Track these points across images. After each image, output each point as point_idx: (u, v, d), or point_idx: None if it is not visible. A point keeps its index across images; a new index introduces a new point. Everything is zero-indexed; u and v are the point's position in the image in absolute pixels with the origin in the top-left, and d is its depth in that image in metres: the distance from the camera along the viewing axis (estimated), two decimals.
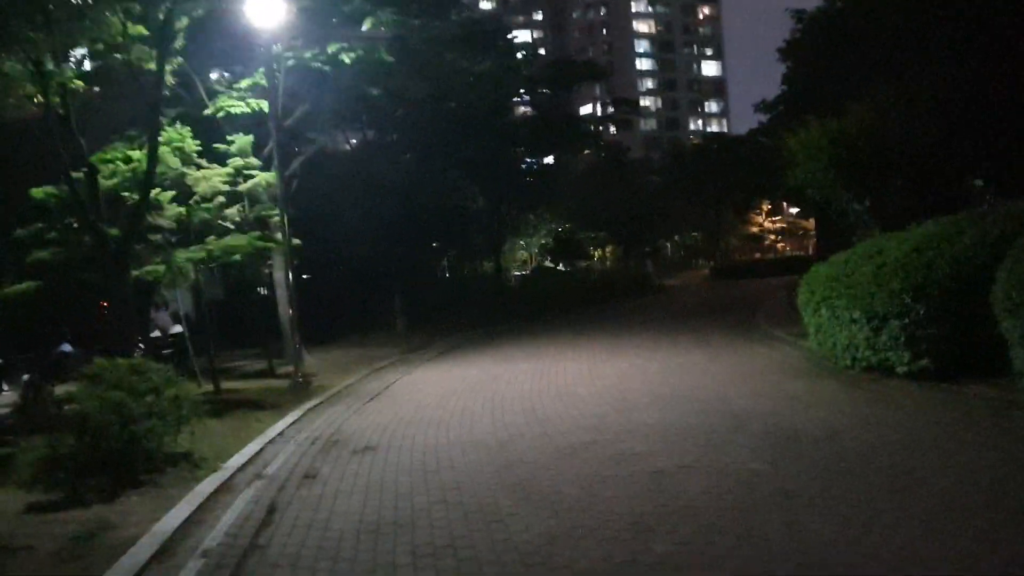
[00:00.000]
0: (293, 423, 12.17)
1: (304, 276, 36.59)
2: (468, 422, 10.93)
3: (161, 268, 13.44)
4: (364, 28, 16.62)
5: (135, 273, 12.96)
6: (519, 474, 7.94)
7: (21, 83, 11.23)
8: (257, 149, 18.03)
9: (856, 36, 19.40)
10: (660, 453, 8.26)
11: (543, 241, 46.40)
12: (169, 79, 13.99)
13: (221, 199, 16.59)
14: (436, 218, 31.69)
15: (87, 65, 13.31)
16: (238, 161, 16.81)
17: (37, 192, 13.13)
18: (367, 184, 26.55)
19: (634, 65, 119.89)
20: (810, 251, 72.54)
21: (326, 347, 23.67)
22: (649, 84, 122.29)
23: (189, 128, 16.36)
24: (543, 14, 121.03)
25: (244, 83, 17.02)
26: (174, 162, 14.34)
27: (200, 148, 15.03)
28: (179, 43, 12.10)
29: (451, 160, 28.93)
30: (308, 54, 16.97)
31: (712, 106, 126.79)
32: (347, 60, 17.14)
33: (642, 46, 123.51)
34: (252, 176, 16.81)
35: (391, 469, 8.70)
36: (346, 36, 17.18)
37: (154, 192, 14.59)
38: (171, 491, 8.29)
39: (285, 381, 16.14)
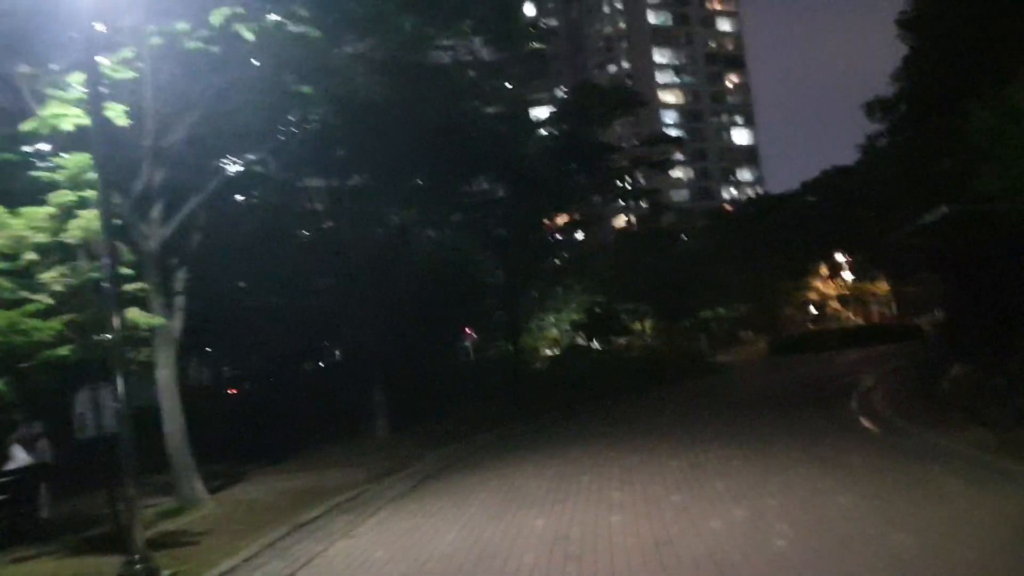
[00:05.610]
0: None
1: (274, 375, 29.39)
2: None
3: None
4: None
5: None
6: None
7: None
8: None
9: None
10: None
11: (574, 316, 39.54)
12: None
13: (31, 256, 10.20)
14: (436, 290, 25.14)
15: None
16: (67, 195, 10.44)
17: None
18: (335, 247, 20.11)
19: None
20: (877, 319, 64.47)
21: (267, 472, 16.89)
22: (679, 155, 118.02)
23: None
24: (563, 84, 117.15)
25: (74, 78, 10.59)
26: None
27: None
28: None
29: (449, 209, 22.25)
30: (180, 26, 10.71)
31: (745, 174, 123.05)
32: (249, 35, 10.87)
33: (670, 117, 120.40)
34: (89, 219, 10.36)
35: None
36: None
37: None
38: None
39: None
